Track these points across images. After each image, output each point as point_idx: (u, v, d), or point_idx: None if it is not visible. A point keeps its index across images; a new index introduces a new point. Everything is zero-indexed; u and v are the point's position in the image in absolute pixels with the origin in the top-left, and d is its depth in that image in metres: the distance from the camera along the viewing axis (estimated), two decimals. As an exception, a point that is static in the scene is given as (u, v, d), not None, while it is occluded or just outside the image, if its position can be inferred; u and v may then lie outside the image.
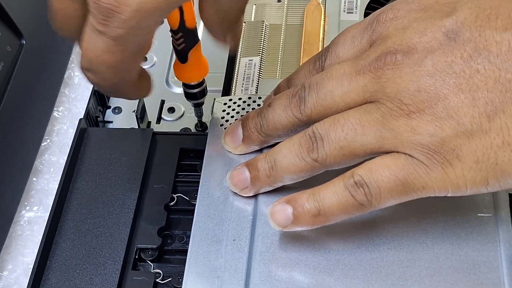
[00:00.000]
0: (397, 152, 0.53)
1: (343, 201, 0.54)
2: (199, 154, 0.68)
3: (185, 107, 0.77)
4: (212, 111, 0.70)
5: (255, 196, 0.62)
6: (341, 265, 0.58)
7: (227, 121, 0.69)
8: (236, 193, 0.62)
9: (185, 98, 0.69)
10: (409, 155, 0.53)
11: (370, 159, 0.55)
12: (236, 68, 0.78)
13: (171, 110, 0.77)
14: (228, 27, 0.59)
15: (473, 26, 0.52)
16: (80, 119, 0.71)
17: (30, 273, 0.60)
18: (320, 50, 0.70)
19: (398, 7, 0.57)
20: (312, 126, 0.57)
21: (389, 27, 0.56)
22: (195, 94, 0.67)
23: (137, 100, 0.72)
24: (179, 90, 0.78)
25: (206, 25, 0.59)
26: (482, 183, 0.52)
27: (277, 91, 0.66)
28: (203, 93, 0.68)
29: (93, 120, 0.74)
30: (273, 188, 0.61)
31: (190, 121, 0.76)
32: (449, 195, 0.53)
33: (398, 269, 0.57)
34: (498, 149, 0.50)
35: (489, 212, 0.60)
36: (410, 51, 0.53)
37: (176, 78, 0.67)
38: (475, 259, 0.57)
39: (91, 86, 0.74)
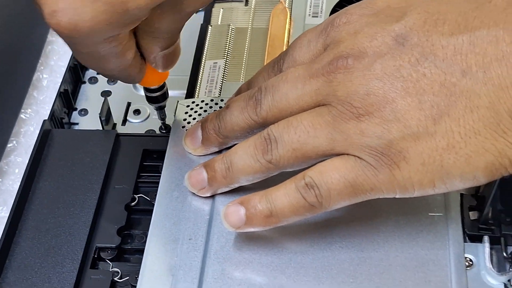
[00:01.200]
0: (347, 154, 0.54)
1: (294, 203, 0.56)
2: (162, 156, 0.69)
3: (150, 109, 0.78)
4: (175, 113, 0.71)
5: (212, 196, 0.64)
6: (293, 264, 0.59)
7: (189, 123, 0.70)
8: (194, 193, 0.64)
9: (150, 101, 0.71)
10: (358, 157, 0.54)
11: (323, 161, 0.56)
12: (201, 71, 0.79)
13: (137, 112, 0.78)
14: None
15: (421, 31, 0.53)
16: (44, 121, 0.72)
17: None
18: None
19: (352, 12, 0.59)
20: (267, 129, 0.58)
21: (342, 31, 0.58)
22: (157, 97, 0.69)
23: (102, 103, 0.73)
24: (146, 93, 0.79)
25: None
26: (429, 185, 0.53)
27: (238, 93, 0.67)
28: (164, 96, 0.69)
29: (58, 121, 0.75)
30: (230, 189, 0.63)
31: (155, 123, 0.77)
32: (397, 196, 0.54)
33: (349, 267, 0.58)
34: (443, 151, 0.52)
35: (439, 212, 0.61)
36: (361, 55, 0.54)
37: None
38: (424, 257, 0.59)
39: (58, 88, 0.76)
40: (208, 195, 0.63)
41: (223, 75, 0.79)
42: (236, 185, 0.62)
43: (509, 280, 0.58)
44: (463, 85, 0.51)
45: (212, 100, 0.72)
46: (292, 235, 0.61)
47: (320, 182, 0.55)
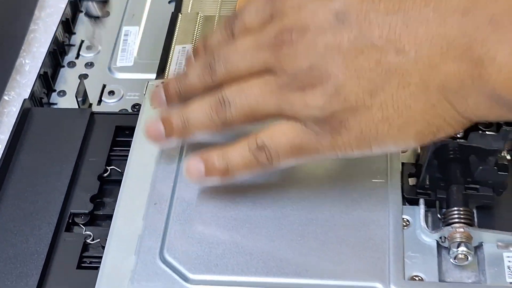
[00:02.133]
0: (294, 120, 0.61)
1: (247, 162, 0.63)
2: (133, 132, 0.75)
3: (124, 90, 0.84)
4: (145, 93, 0.77)
5: (177, 164, 0.70)
6: (248, 224, 0.65)
7: (158, 102, 0.76)
8: (161, 162, 0.70)
9: (125, 83, 0.78)
10: (304, 124, 0.60)
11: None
12: (170, 55, 0.85)
13: (112, 93, 0.84)
14: None
15: (359, 8, 0.58)
16: (25, 99, 0.79)
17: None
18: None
19: None
20: (222, 91, 0.64)
21: (286, 3, 0.63)
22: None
23: (78, 84, 0.80)
24: (120, 75, 0.85)
25: None
26: (366, 149, 0.60)
27: (195, 53, 0.73)
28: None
29: (37, 101, 0.82)
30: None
31: (128, 103, 0.83)
32: (339, 157, 0.61)
33: (297, 228, 0.65)
34: (379, 122, 0.58)
35: (382, 178, 0.68)
36: (304, 30, 0.60)
37: (117, 65, 0.75)
38: (366, 218, 0.65)
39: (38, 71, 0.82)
40: (166, 147, 0.70)
41: (191, 58, 0.85)
42: (192, 138, 0.67)
43: (440, 237, 0.64)
44: (396, 63, 0.57)
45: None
46: (248, 200, 0.67)
47: (270, 145, 0.61)
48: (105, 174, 0.75)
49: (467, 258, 0.62)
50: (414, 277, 0.62)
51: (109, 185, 0.75)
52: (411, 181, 0.68)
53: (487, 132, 0.61)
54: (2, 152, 0.74)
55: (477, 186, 0.66)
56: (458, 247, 0.62)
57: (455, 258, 0.63)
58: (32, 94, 0.81)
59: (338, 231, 0.64)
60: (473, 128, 0.61)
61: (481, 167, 0.64)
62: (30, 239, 0.69)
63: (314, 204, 0.67)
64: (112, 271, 0.64)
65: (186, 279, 0.62)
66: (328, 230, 0.65)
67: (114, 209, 0.69)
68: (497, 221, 0.66)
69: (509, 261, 0.63)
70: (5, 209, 0.71)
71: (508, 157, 0.65)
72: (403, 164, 0.69)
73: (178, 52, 0.86)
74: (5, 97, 0.88)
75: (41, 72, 0.83)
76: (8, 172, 0.73)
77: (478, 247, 0.64)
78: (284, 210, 0.66)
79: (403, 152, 0.69)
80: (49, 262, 0.67)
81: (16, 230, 0.69)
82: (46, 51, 0.87)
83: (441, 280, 0.62)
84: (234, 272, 0.63)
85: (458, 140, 0.62)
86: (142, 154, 0.72)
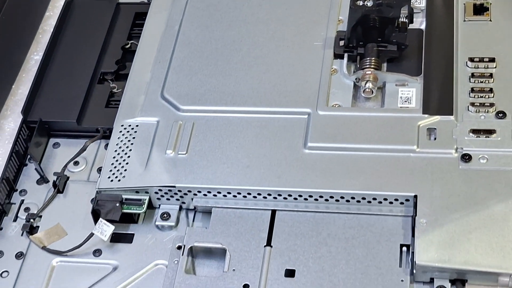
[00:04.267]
0: None
1: None
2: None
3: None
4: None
5: (176, 35, 0.98)
6: (228, 66, 0.93)
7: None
8: (164, 35, 0.98)
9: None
10: None
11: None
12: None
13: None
14: None
15: None
16: (67, -4, 1.07)
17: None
18: None
19: None
20: None
21: None
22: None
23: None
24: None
25: None
26: None
27: None
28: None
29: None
30: None
31: (146, -2, 1.10)
32: None
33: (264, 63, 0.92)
34: None
35: (321, 42, 0.94)
36: None
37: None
38: (306, 68, 0.92)
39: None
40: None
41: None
42: None
43: (356, 79, 0.90)
44: None
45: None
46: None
47: None
48: (127, 46, 1.02)
49: (372, 92, 0.88)
50: (335, 105, 0.89)
51: (130, 55, 1.02)
52: (341, 43, 0.93)
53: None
54: (52, 30, 1.03)
55: (386, 44, 0.90)
56: (366, 84, 0.88)
57: (363, 92, 0.89)
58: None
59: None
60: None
61: (387, 30, 0.90)
62: (72, 89, 0.97)
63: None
64: (128, 106, 0.92)
65: (178, 109, 0.90)
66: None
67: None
68: (399, 70, 0.91)
69: (402, 94, 0.88)
70: (54, 67, 0.99)
71: (406, 20, 0.90)
72: (337, 32, 0.95)
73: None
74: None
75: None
76: (56, 44, 1.02)
77: (382, 87, 0.90)
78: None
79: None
80: (86, 103, 0.96)
81: (61, 86, 0.98)
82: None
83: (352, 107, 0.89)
84: (215, 104, 0.89)
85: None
86: (152, 30, 1.00)
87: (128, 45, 1.03)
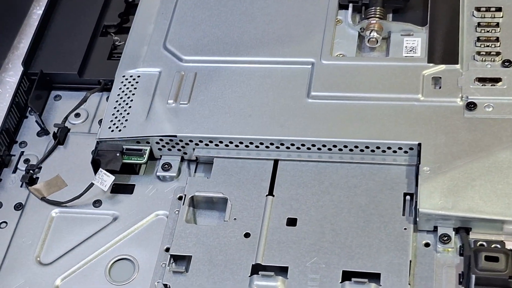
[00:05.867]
0: None
1: None
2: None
3: None
4: None
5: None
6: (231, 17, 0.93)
7: None
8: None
9: None
10: None
11: None
12: None
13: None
14: None
15: None
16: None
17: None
18: None
19: None
20: None
21: None
22: None
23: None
24: None
25: None
26: None
27: None
28: None
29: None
30: None
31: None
32: None
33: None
34: None
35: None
36: None
37: None
38: (309, 18, 0.92)
39: None
40: None
41: None
42: None
43: (360, 29, 0.90)
44: None
45: None
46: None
47: None
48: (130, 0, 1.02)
49: (377, 41, 0.88)
50: (339, 55, 0.89)
51: (133, 8, 1.01)
52: None
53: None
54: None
55: None
56: (370, 33, 0.88)
57: (368, 41, 0.89)
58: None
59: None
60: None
61: None
62: (73, 44, 0.97)
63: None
64: (130, 57, 0.92)
65: (180, 59, 0.90)
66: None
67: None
68: (404, 20, 0.91)
69: (407, 43, 0.88)
70: (56, 21, 1.00)
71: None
72: None
73: None
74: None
75: None
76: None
77: (387, 37, 0.90)
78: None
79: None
80: (88, 56, 0.96)
81: (64, 34, 0.98)
82: None
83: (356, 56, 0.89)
84: (218, 54, 0.89)
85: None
86: None
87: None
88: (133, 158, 0.86)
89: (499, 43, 0.85)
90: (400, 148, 0.80)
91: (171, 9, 0.96)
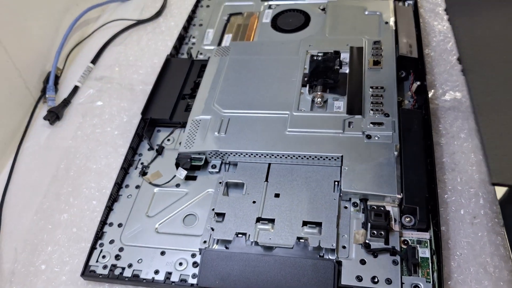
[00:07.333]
0: None
1: None
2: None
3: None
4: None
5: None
6: None
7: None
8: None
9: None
10: None
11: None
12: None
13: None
14: None
15: None
16: (167, 55, 1.08)
17: None
18: None
19: None
20: None
21: None
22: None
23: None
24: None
25: None
26: None
27: None
28: None
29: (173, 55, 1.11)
30: None
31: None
32: None
33: None
34: None
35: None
36: None
37: None
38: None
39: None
40: None
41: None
42: None
43: (312, 97, 0.90)
44: None
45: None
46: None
47: None
48: (197, 81, 1.00)
49: (321, 103, 0.87)
50: (302, 110, 0.87)
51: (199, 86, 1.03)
52: (305, 79, 0.91)
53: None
54: (159, 71, 1.04)
55: (328, 79, 0.89)
56: (317, 99, 0.88)
57: (316, 103, 0.87)
58: (170, 53, 1.10)
59: None
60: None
61: (328, 72, 0.90)
62: (168, 100, 0.97)
63: None
64: (196, 110, 0.91)
65: (221, 112, 0.90)
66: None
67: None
68: (335, 92, 0.89)
69: (336, 104, 0.87)
70: (158, 91, 1.00)
71: (339, 67, 0.90)
72: (304, 73, 0.94)
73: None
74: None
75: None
76: (160, 80, 1.03)
77: (326, 101, 0.88)
78: None
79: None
80: (175, 109, 0.96)
81: (163, 97, 0.98)
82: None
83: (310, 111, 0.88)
84: (240, 109, 0.88)
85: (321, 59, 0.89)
86: (209, 72, 0.98)
87: (198, 81, 1.02)
88: (196, 161, 0.85)
89: (382, 104, 0.85)
90: (332, 158, 0.80)
91: (217, 86, 0.96)
